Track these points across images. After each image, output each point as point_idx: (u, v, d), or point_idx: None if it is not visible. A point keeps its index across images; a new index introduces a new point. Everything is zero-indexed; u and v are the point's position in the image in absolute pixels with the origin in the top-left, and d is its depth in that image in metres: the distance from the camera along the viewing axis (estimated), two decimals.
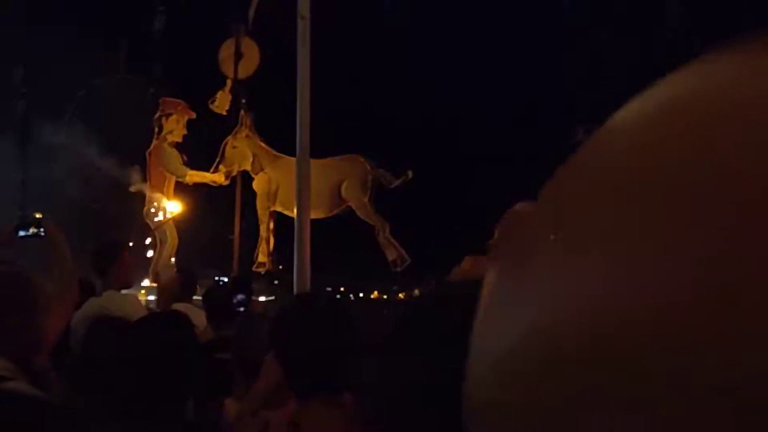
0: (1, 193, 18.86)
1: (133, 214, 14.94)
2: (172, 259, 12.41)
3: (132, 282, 5.94)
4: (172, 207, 13.77)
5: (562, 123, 17.47)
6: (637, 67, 17.26)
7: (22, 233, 4.10)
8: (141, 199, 13.90)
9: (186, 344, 2.70)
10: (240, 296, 5.08)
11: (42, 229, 4.09)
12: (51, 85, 19.35)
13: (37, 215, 4.31)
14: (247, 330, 3.82)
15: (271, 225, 13.26)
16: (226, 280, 10.44)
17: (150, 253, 14.04)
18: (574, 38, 18.54)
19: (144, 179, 13.43)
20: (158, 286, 5.90)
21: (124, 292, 5.79)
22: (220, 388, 3.43)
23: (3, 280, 2.87)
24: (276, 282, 14.42)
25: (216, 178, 13.21)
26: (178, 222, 13.70)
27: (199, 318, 6.09)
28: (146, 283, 14.81)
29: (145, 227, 14.09)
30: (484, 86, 20.74)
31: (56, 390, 3.14)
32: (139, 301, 7.11)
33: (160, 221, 13.56)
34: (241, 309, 5.14)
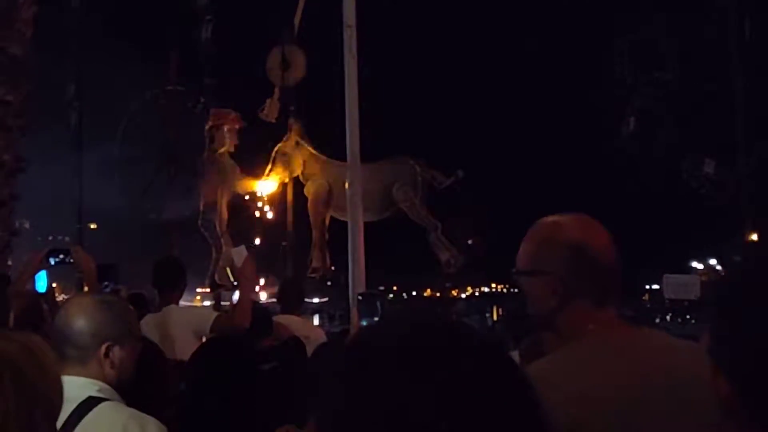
0: (59, 205, 19.31)
1: (188, 221, 15.15)
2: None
3: None
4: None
5: (613, 120, 17.18)
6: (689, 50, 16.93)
7: (52, 260, 4.30)
8: (195, 206, 14.00)
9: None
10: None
11: (70, 257, 4.31)
12: (103, 99, 19.72)
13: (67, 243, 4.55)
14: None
15: (325, 230, 13.34)
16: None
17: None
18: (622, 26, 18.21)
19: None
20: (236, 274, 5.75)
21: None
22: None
23: (148, 350, 2.78)
24: (329, 283, 14.49)
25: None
26: (232, 232, 13.76)
27: (307, 329, 6.25)
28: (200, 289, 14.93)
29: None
30: (534, 85, 20.61)
31: None
32: (198, 311, 7.26)
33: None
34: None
